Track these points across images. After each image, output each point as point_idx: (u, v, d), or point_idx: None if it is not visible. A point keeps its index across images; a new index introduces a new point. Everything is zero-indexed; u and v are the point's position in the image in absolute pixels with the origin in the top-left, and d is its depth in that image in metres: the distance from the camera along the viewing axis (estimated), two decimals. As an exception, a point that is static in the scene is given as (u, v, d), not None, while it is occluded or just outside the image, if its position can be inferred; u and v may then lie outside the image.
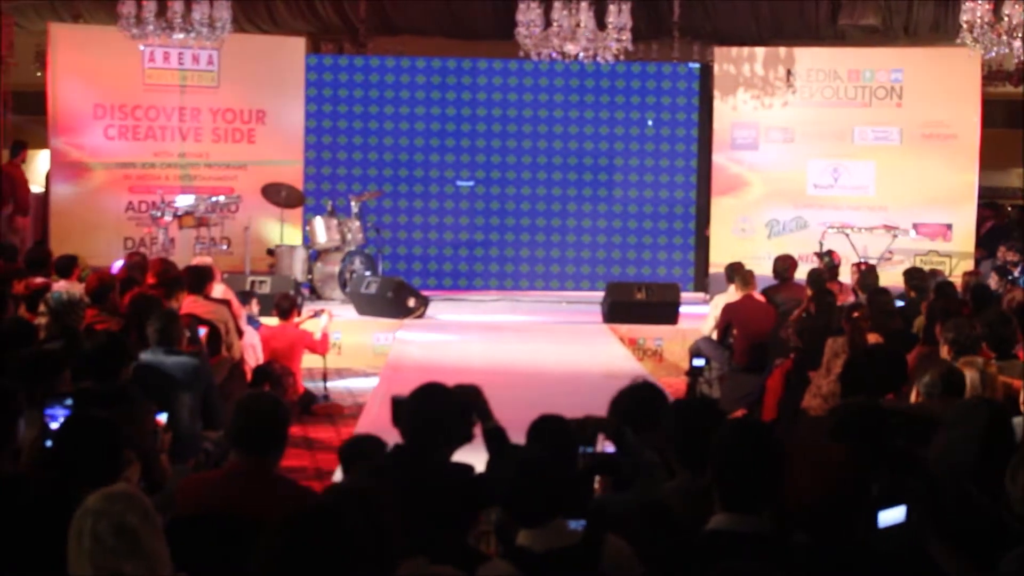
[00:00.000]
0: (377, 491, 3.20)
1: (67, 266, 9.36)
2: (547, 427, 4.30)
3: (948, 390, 5.28)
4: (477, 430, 4.44)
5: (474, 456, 4.35)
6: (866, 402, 4.99)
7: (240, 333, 8.64)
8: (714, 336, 10.04)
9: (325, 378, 9.98)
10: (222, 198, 13.13)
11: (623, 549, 3.45)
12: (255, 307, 9.96)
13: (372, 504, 3.14)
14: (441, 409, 4.25)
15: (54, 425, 4.61)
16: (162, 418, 5.26)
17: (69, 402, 4.77)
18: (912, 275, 10.13)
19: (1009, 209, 16.39)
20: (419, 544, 3.27)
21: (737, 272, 10.27)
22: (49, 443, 4.27)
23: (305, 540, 2.66)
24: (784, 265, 10.80)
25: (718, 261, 13.59)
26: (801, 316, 8.76)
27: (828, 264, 11.37)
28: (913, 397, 5.41)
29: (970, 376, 5.46)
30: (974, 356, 5.89)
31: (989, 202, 15.90)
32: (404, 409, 4.28)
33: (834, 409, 5.00)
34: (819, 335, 7.81)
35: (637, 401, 4.54)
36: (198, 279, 8.61)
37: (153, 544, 2.94)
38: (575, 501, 3.67)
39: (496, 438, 4.37)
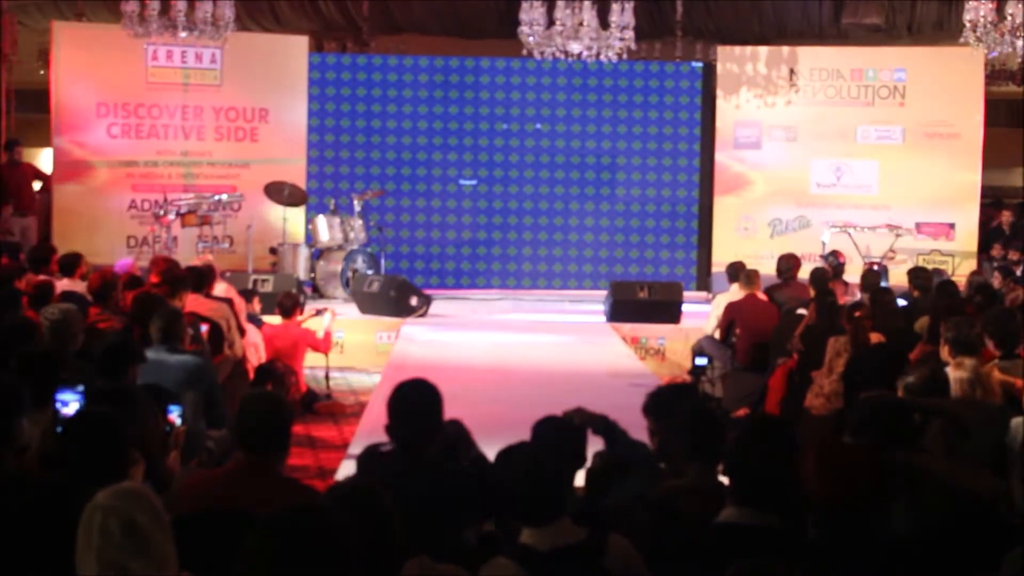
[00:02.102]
0: (379, 490, 3.20)
1: (70, 264, 9.36)
2: (551, 427, 4.30)
3: (933, 391, 5.27)
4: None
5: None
6: (889, 397, 4.99)
7: (242, 331, 8.65)
8: (717, 335, 10.03)
9: (328, 377, 9.98)
10: (225, 196, 13.13)
11: (626, 546, 3.46)
12: (256, 305, 9.96)
13: (374, 503, 3.14)
14: (422, 404, 4.24)
15: (65, 411, 4.62)
16: (174, 415, 5.28)
17: (80, 387, 4.77)
18: (917, 274, 10.13)
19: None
20: (422, 543, 3.27)
21: (740, 271, 10.27)
22: (60, 429, 4.28)
23: (289, 539, 2.66)
24: (788, 264, 10.78)
25: (720, 260, 13.58)
26: (806, 325, 8.68)
27: (833, 264, 11.35)
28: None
29: (958, 376, 5.45)
30: (965, 357, 5.88)
31: (997, 201, 15.90)
32: (391, 412, 4.27)
33: (855, 403, 4.98)
34: (821, 335, 7.81)
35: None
36: (200, 278, 8.62)
37: (161, 544, 2.94)
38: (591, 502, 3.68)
39: (480, 468, 4.34)
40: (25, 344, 5.60)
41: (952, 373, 5.45)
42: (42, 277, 8.95)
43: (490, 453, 4.42)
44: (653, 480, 4.21)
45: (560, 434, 4.24)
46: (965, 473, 4.26)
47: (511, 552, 3.36)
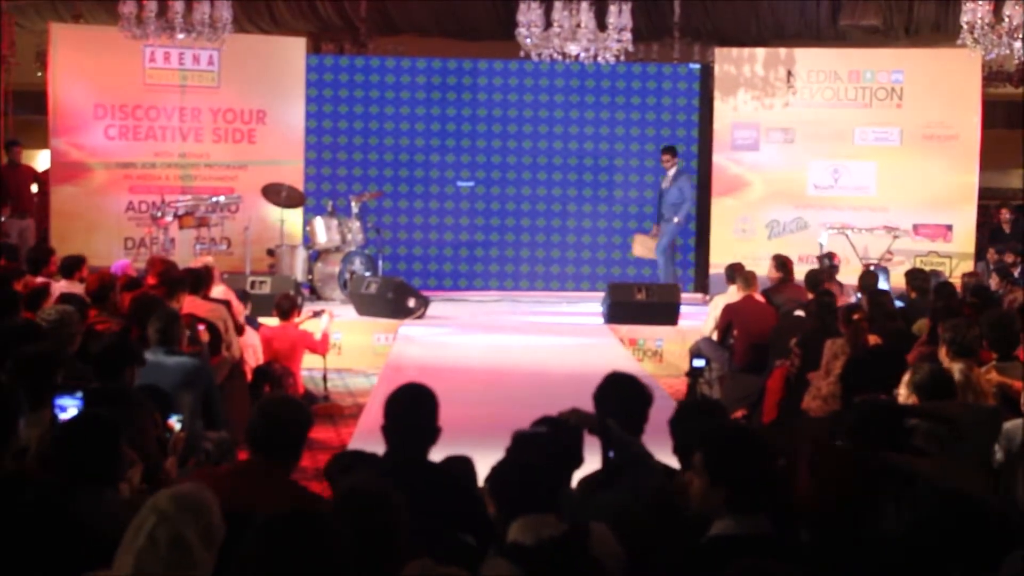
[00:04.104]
0: (390, 491, 3.21)
1: (71, 267, 9.35)
2: (547, 427, 4.30)
3: (939, 391, 5.27)
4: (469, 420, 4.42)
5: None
6: (883, 400, 4.99)
7: (240, 330, 8.65)
8: (715, 337, 10.03)
9: (325, 378, 9.98)
10: (222, 198, 13.14)
11: (606, 533, 3.50)
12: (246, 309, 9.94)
13: (384, 504, 3.15)
14: (417, 407, 4.26)
15: (64, 416, 4.62)
16: (174, 421, 5.28)
17: (79, 394, 4.78)
18: (914, 276, 10.13)
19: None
20: (420, 544, 3.28)
21: (738, 273, 10.26)
22: (59, 433, 4.27)
23: (286, 543, 2.67)
24: (786, 266, 10.74)
25: (718, 262, 13.59)
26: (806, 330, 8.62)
27: (827, 266, 11.31)
28: (903, 397, 5.38)
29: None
30: (960, 359, 5.89)
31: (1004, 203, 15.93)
32: (386, 415, 4.29)
33: (850, 406, 4.99)
34: (818, 337, 7.80)
35: (619, 395, 4.61)
36: (197, 280, 8.62)
37: (203, 561, 2.96)
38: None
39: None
40: (27, 346, 5.58)
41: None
42: (40, 279, 8.95)
43: (488, 452, 4.42)
44: (649, 479, 4.22)
45: (555, 433, 4.25)
46: (957, 474, 4.27)
47: (501, 551, 3.37)
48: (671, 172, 13.72)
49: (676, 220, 13.63)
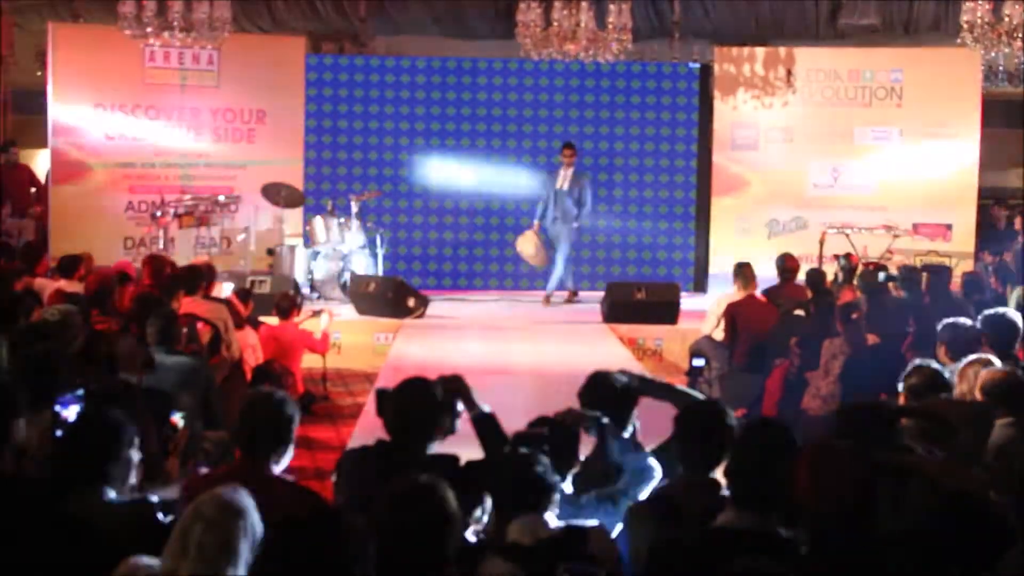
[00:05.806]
0: (442, 488, 3.21)
1: (70, 266, 9.35)
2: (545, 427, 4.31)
3: (934, 391, 5.27)
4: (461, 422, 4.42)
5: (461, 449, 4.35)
6: (874, 401, 5.00)
7: (242, 325, 8.66)
8: (717, 335, 9.99)
9: (325, 378, 9.98)
10: (222, 198, 13.14)
11: (603, 533, 3.51)
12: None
13: (435, 499, 3.16)
14: (424, 402, 4.25)
15: (65, 414, 4.62)
16: (178, 418, 5.29)
17: (80, 393, 4.78)
18: (905, 272, 10.14)
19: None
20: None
21: (739, 272, 10.22)
22: (60, 433, 4.27)
23: (301, 543, 2.68)
24: (790, 265, 10.71)
25: (718, 261, 13.57)
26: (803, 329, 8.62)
27: (845, 267, 11.18)
28: (902, 399, 5.38)
29: (975, 372, 5.44)
30: (979, 356, 5.88)
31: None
32: (387, 402, 4.29)
33: (841, 408, 4.99)
34: (817, 336, 7.81)
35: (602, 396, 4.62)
36: (195, 279, 8.62)
37: (246, 562, 3.03)
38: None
39: (485, 424, 4.33)
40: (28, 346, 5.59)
41: (972, 369, 5.44)
42: (40, 281, 8.95)
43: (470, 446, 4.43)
44: (647, 478, 4.23)
45: (552, 433, 4.25)
46: (956, 473, 4.27)
47: (500, 551, 3.38)
48: (569, 171, 13.34)
49: (576, 225, 13.42)
